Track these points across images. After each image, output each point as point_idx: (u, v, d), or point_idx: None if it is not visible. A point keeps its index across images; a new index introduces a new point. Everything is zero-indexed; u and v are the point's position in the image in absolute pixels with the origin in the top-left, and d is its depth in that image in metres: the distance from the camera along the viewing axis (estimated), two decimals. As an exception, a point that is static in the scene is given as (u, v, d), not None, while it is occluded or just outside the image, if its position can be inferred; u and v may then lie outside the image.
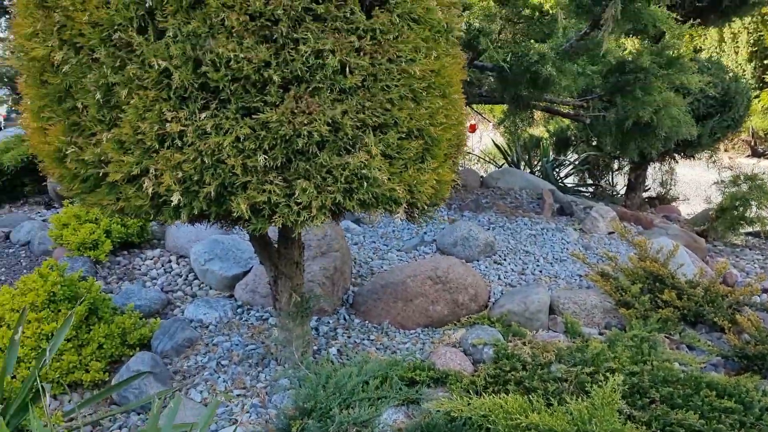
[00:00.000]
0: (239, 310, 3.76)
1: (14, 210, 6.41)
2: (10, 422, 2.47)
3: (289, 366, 3.18)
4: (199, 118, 2.10)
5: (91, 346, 3.23)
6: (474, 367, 3.20)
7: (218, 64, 2.05)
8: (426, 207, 2.50)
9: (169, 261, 4.44)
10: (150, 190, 2.18)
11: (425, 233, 4.89)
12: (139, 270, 4.36)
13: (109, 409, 3.05)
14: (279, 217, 2.18)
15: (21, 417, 2.53)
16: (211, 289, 4.06)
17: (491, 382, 3.00)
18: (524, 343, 3.32)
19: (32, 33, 2.30)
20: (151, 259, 4.48)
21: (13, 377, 3.00)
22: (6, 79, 15.62)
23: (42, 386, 2.30)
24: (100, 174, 2.28)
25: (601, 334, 3.64)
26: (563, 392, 2.90)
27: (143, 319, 3.59)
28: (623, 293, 3.78)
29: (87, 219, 4.46)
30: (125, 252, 4.60)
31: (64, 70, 2.25)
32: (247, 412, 2.91)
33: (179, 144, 2.13)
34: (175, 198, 2.15)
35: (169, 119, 2.10)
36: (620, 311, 3.72)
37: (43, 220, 5.33)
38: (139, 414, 2.98)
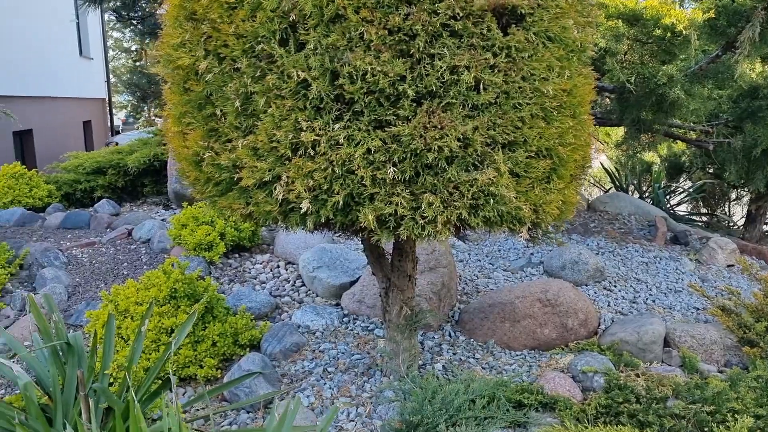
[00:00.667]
0: (345, 319, 3.82)
1: (134, 209, 6.78)
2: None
3: (395, 378, 3.19)
4: (333, 128, 2.15)
5: (205, 343, 3.36)
6: (583, 394, 3.10)
7: (355, 77, 2.10)
8: (549, 228, 2.46)
9: (278, 266, 4.57)
10: (280, 197, 2.25)
11: (532, 254, 4.80)
12: (249, 273, 4.50)
13: (220, 405, 3.15)
14: (404, 229, 2.19)
15: (145, 405, 2.65)
16: (317, 296, 4.14)
17: (602, 413, 2.90)
18: (637, 375, 3.19)
19: (180, 43, 2.43)
20: (261, 264, 4.62)
21: (135, 367, 3.17)
22: (129, 86, 16.56)
23: (170, 377, 2.40)
24: (234, 179, 2.37)
25: (720, 371, 3.44)
26: (681, 430, 2.77)
27: (253, 321, 3.69)
28: (747, 330, 3.57)
29: (204, 221, 4.66)
30: (236, 255, 4.77)
31: (206, 78, 2.36)
32: (353, 420, 2.94)
33: (311, 153, 2.19)
34: (305, 205, 2.21)
35: (304, 128, 2.16)
36: (743, 349, 3.51)
37: (162, 220, 5.61)
38: (248, 412, 3.06)
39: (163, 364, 2.80)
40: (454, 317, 3.84)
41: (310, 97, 2.15)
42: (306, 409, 3.00)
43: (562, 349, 3.55)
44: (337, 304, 3.99)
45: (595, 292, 4.19)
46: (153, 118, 19.68)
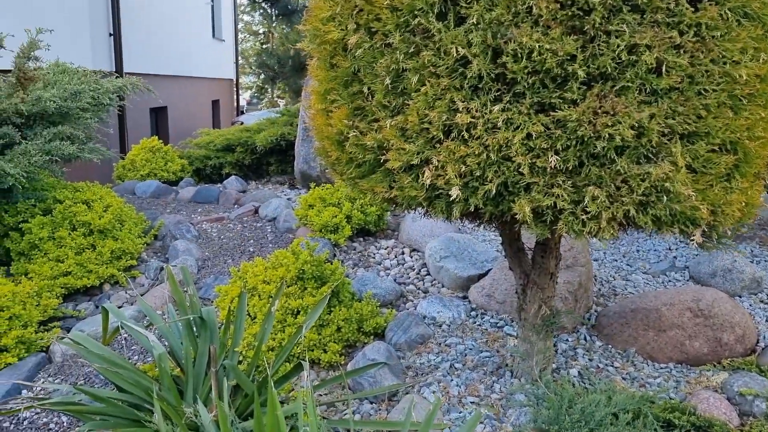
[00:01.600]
0: (473, 313, 3.65)
1: (259, 187, 6.90)
2: (262, 393, 2.55)
3: (527, 381, 2.99)
4: (491, 110, 1.98)
5: (330, 328, 3.29)
6: (740, 419, 2.78)
7: (519, 55, 1.92)
8: (728, 232, 2.18)
9: (402, 253, 4.46)
10: (428, 182, 2.11)
11: (675, 258, 4.43)
12: (374, 258, 4.42)
13: (343, 392, 3.08)
14: (563, 224, 2.00)
15: (279, 386, 2.61)
16: (443, 287, 3.99)
17: (765, 443, 2.59)
18: (805, 403, 2.83)
19: (329, 17, 2.33)
20: (385, 249, 4.53)
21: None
22: (259, 66, 17.02)
23: (302, 363, 2.33)
24: (380, 160, 2.26)
25: None
26: None
27: (378, 308, 3.60)
28: None
29: (330, 202, 4.62)
30: (361, 239, 4.71)
31: (355, 54, 2.25)
32: (482, 422, 2.77)
33: (465, 136, 2.03)
34: (454, 192, 2.06)
35: (460, 109, 2.00)
36: None
37: (288, 199, 5.65)
38: (372, 403, 2.97)
39: (292, 347, 2.75)
40: (590, 320, 3.58)
41: (468, 76, 1.99)
42: (432, 405, 2.87)
43: (714, 366, 3.21)
44: (464, 297, 3.83)
45: (751, 305, 3.79)
46: (276, 99, 20.23)
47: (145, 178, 6.70)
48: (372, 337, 3.45)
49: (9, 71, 4.54)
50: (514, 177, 2.02)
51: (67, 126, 4.44)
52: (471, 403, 2.90)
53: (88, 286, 4.09)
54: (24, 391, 3.24)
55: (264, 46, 20.40)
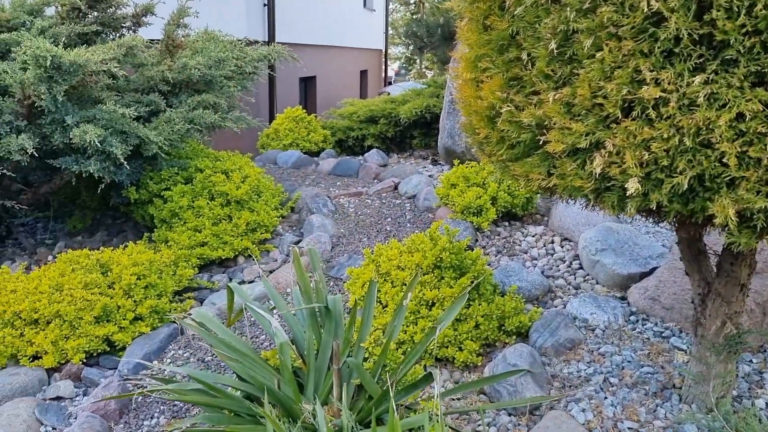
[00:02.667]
0: (632, 318, 3.17)
1: (401, 161, 6.65)
2: (388, 396, 2.28)
3: (699, 408, 2.51)
4: (688, 83, 1.53)
5: (467, 324, 2.97)
6: None
7: (735, 9, 1.45)
8: None
9: (552, 242, 4.02)
10: (598, 170, 1.70)
11: None
12: (519, 246, 4.02)
13: (478, 399, 2.75)
14: (780, 234, 1.52)
15: (401, 397, 2.33)
16: (597, 284, 3.52)
17: None
18: None
19: (484, -33, 1.96)
20: (533, 236, 4.11)
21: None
22: (407, 36, 16.84)
23: (433, 372, 2.03)
24: (538, 141, 1.87)
25: None
26: None
27: (523, 304, 3.21)
28: None
29: (474, 182, 4.26)
30: (506, 223, 4.31)
31: (515, 12, 1.87)
32: (641, 454, 2.34)
33: (652, 115, 1.59)
34: (632, 186, 1.63)
35: (647, 81, 1.57)
36: None
37: (429, 176, 5.34)
38: (510, 415, 2.62)
39: (424, 348, 2.45)
40: (781, 339, 2.99)
41: (661, 38, 1.55)
42: (582, 427, 2.47)
43: None
44: (623, 298, 3.34)
45: None
46: (424, 70, 19.95)
47: (287, 147, 6.67)
48: (514, 336, 3.09)
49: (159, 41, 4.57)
50: (713, 169, 1.56)
51: (211, 94, 4.39)
52: (629, 429, 2.47)
53: (223, 257, 4.03)
54: (155, 362, 3.21)
55: (414, 17, 20.13)
